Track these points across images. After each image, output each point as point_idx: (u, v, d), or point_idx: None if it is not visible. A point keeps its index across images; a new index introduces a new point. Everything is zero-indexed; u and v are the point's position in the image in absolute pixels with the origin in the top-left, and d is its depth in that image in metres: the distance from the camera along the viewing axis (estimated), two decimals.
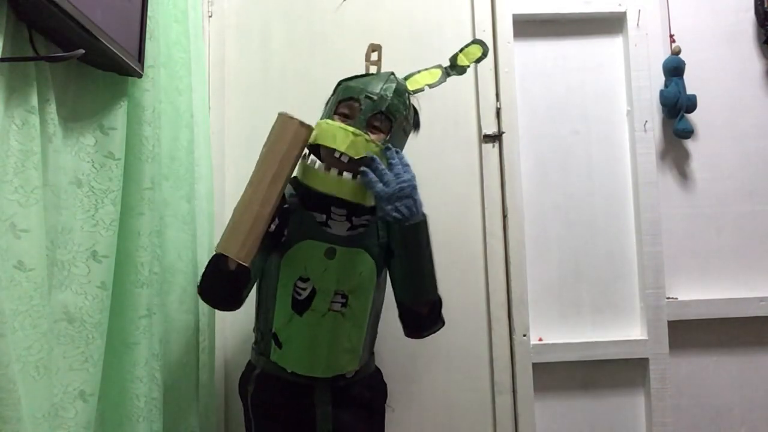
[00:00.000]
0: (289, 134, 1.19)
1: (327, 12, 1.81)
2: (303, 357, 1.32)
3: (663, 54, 1.83)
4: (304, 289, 1.31)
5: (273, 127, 1.22)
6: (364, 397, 1.40)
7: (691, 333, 1.77)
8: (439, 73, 1.41)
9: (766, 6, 1.83)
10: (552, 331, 1.77)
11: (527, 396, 1.70)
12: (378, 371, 1.49)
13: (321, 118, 1.35)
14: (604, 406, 1.76)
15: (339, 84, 1.36)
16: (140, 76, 1.17)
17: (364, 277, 1.33)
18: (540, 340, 1.75)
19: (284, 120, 1.20)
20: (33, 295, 0.89)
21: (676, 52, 1.80)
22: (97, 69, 1.11)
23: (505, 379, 1.71)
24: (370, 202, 1.28)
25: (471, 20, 1.81)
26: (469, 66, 1.42)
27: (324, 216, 1.33)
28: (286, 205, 1.33)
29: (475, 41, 1.42)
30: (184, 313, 1.38)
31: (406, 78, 1.39)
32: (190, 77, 1.46)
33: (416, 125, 1.42)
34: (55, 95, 0.98)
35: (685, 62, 1.79)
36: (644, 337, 1.74)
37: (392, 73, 1.35)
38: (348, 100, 1.28)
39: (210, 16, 1.77)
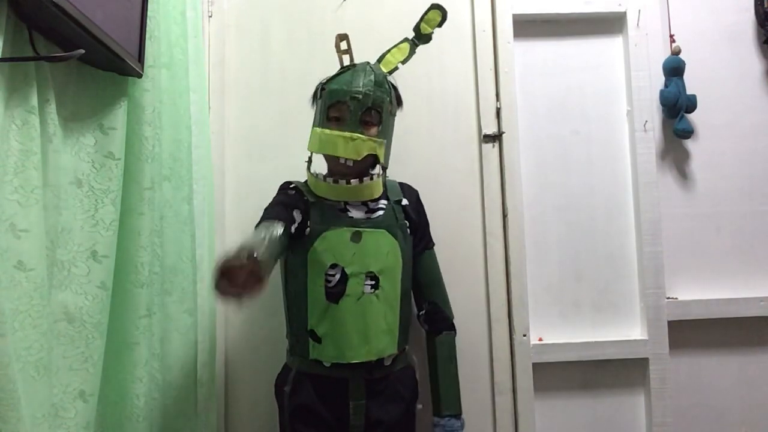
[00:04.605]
0: None
1: (327, 12, 1.81)
2: (345, 345, 1.35)
3: (663, 54, 1.83)
4: (333, 275, 1.37)
5: None
6: (398, 391, 1.43)
7: (691, 333, 1.77)
8: (407, 46, 1.51)
9: (766, 6, 1.83)
10: (552, 331, 1.77)
11: (527, 396, 1.70)
12: (411, 367, 1.51)
13: (314, 123, 1.45)
14: (604, 406, 1.76)
15: (321, 87, 1.45)
16: (140, 76, 1.17)
17: (390, 257, 1.40)
18: (540, 340, 1.75)
19: None
20: (33, 295, 0.89)
21: (676, 52, 1.80)
22: (97, 69, 1.11)
23: (505, 379, 1.71)
24: (378, 193, 1.43)
25: (471, 20, 1.81)
26: (432, 32, 1.52)
27: (342, 203, 1.42)
28: (306, 199, 1.42)
29: (432, 6, 1.52)
30: (184, 313, 1.38)
31: (378, 60, 1.48)
32: (188, 78, 1.46)
33: (399, 102, 1.51)
34: (55, 95, 0.98)
35: (685, 62, 1.79)
36: (644, 337, 1.74)
37: (368, 63, 1.45)
38: (336, 104, 1.39)
39: (210, 16, 1.77)
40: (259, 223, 1.31)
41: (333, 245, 1.38)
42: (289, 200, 1.41)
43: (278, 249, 1.21)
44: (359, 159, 1.36)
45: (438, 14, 1.51)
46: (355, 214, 1.42)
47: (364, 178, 1.41)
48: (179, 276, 1.38)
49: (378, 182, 1.45)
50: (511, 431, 1.69)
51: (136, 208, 1.17)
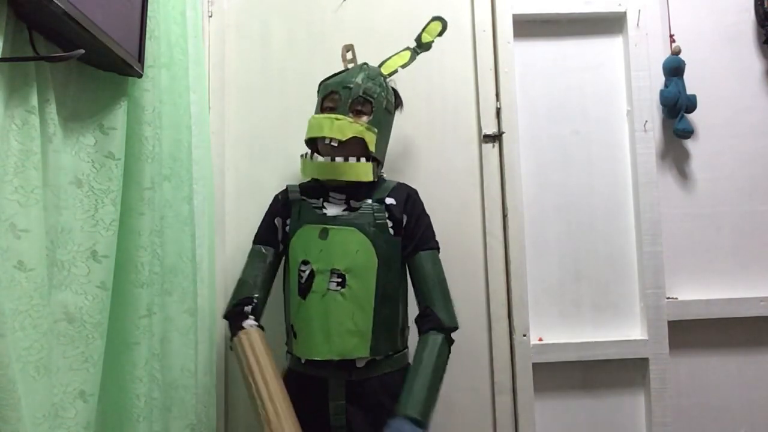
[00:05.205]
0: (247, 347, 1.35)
1: (327, 12, 1.81)
2: (309, 340, 1.36)
3: (663, 54, 1.83)
4: (304, 272, 1.38)
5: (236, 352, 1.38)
6: (378, 399, 1.37)
7: (691, 333, 1.77)
8: (408, 54, 1.57)
9: (766, 6, 1.83)
10: (552, 331, 1.77)
11: (527, 396, 1.70)
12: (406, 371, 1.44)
13: None
14: (604, 406, 1.76)
15: (320, 84, 1.51)
16: (140, 76, 1.17)
17: (360, 256, 1.38)
18: (540, 340, 1.75)
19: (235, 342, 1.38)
20: (33, 295, 0.89)
21: (676, 52, 1.80)
22: (97, 69, 1.11)
23: (505, 379, 1.71)
24: (367, 177, 1.41)
25: (471, 20, 1.81)
26: (433, 41, 1.58)
27: (320, 200, 1.44)
28: (289, 198, 1.47)
29: (434, 18, 1.58)
30: (184, 313, 1.38)
31: (380, 65, 1.53)
32: (188, 78, 1.46)
33: (398, 104, 1.56)
34: (55, 95, 0.98)
35: (685, 62, 1.79)
36: (644, 337, 1.74)
37: (365, 63, 1.50)
38: (329, 95, 1.44)
39: (210, 16, 1.77)
40: (252, 244, 1.48)
41: (303, 241, 1.40)
42: (272, 212, 1.49)
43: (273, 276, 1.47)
44: (344, 139, 1.37)
45: (439, 25, 1.57)
46: (331, 211, 1.42)
47: (350, 158, 1.40)
48: (179, 276, 1.37)
49: (366, 167, 1.41)
50: (511, 431, 1.69)
51: (136, 208, 1.17)
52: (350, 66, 1.53)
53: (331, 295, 1.35)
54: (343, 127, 1.37)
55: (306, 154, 1.45)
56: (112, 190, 1.09)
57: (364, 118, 1.41)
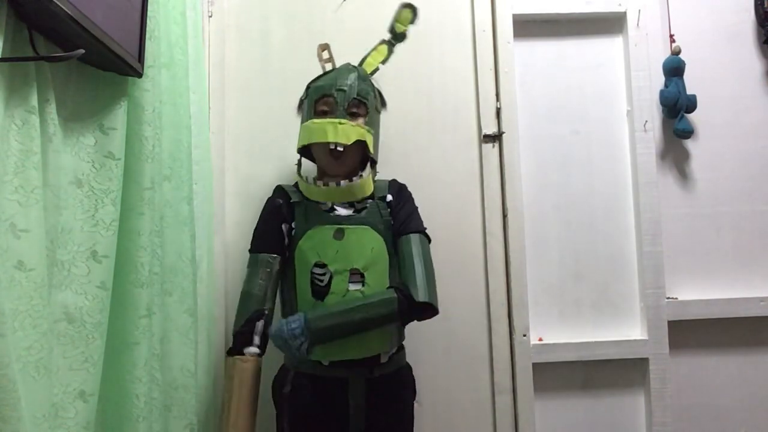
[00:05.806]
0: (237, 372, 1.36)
1: (327, 12, 1.81)
2: (336, 342, 1.34)
3: (663, 54, 1.83)
4: (323, 275, 1.37)
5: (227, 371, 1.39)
6: (397, 391, 1.43)
7: (691, 333, 1.77)
8: (385, 48, 1.54)
9: (766, 6, 1.83)
10: (552, 331, 1.77)
11: (527, 396, 1.70)
12: (409, 366, 1.51)
13: (302, 121, 1.48)
14: (604, 406, 1.76)
15: (308, 87, 1.49)
16: (140, 76, 1.17)
17: (375, 253, 1.40)
18: (540, 340, 1.75)
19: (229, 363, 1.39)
20: (33, 295, 0.89)
21: (676, 52, 1.80)
22: (97, 69, 1.11)
23: (505, 379, 1.71)
24: (370, 190, 1.44)
25: (471, 20, 1.81)
26: (407, 30, 1.55)
27: (329, 203, 1.43)
28: (291, 200, 1.45)
29: (403, 5, 1.55)
30: (184, 313, 1.38)
31: (360, 64, 1.52)
32: (188, 78, 1.46)
33: (384, 104, 1.55)
34: (55, 95, 0.98)
35: (685, 62, 1.79)
36: (644, 337, 1.74)
37: (349, 64, 1.50)
38: (322, 98, 1.42)
39: (210, 16, 1.77)
40: (252, 253, 1.45)
41: (316, 243, 1.39)
42: (274, 218, 1.45)
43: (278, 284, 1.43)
44: (349, 143, 1.37)
45: (410, 12, 1.54)
46: (341, 212, 1.43)
47: (354, 178, 1.41)
48: (179, 276, 1.37)
49: (368, 180, 1.44)
50: (511, 431, 1.69)
51: (136, 208, 1.17)
52: (327, 66, 1.52)
53: (351, 294, 1.36)
54: (348, 131, 1.37)
55: (308, 178, 1.44)
56: (112, 190, 1.09)
57: (360, 120, 1.41)
